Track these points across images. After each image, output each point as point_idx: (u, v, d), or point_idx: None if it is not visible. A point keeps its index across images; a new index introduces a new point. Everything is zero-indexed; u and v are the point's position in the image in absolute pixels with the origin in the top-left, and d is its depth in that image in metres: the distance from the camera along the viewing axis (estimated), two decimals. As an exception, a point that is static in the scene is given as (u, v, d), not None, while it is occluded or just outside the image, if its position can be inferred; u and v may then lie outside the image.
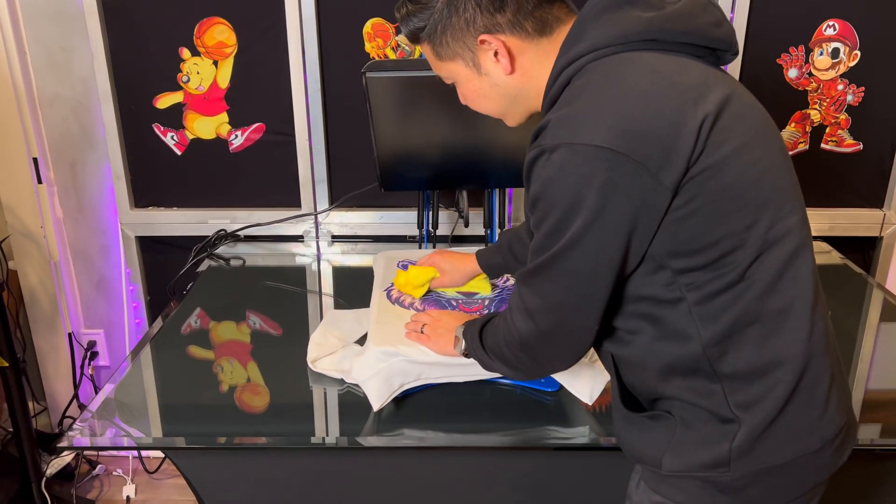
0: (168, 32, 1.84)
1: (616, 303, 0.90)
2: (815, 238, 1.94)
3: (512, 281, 1.48)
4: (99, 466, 2.24)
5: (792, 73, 1.88)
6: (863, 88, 1.89)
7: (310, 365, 1.30)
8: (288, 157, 1.95)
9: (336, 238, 2.02)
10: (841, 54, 1.86)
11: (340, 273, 1.87)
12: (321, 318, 1.54)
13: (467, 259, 1.45)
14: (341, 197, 1.95)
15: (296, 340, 1.40)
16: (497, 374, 1.15)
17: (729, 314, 0.85)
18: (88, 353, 2.18)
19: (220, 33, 1.85)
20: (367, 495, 1.26)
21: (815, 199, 1.97)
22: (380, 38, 1.84)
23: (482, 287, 1.45)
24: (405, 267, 1.53)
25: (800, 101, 1.91)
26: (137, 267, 2.06)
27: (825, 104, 1.91)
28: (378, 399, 1.16)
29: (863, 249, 2.06)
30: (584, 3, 0.90)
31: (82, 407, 2.19)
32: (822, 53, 1.86)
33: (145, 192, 2.00)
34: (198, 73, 1.88)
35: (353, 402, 1.22)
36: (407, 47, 1.85)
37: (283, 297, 1.69)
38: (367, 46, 1.85)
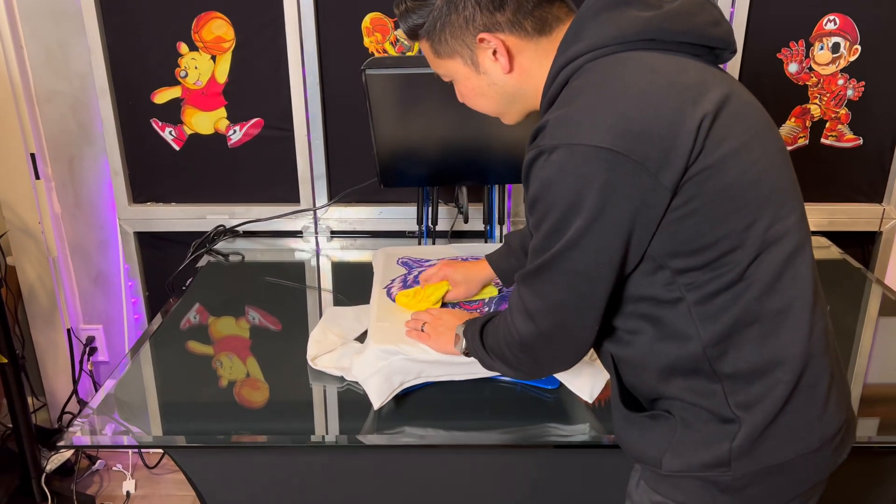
0: (166, 27, 1.83)
1: (616, 303, 0.90)
2: (815, 233, 1.95)
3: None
4: (99, 461, 2.24)
5: (792, 68, 1.87)
6: (863, 83, 1.89)
7: (309, 362, 1.30)
8: (286, 153, 1.94)
9: (335, 234, 2.02)
10: (841, 49, 1.85)
11: (339, 269, 1.87)
12: (320, 313, 1.54)
13: (478, 267, 1.41)
14: (340, 192, 1.95)
15: (295, 336, 1.40)
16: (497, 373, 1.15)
17: (728, 314, 0.85)
18: (87, 349, 2.18)
19: (218, 28, 1.84)
20: (368, 493, 1.26)
21: (814, 194, 1.97)
22: (378, 33, 1.83)
23: (492, 292, 1.43)
24: (406, 265, 1.53)
25: (800, 95, 1.90)
26: (136, 262, 2.06)
27: (825, 99, 1.90)
28: (378, 397, 1.16)
29: (862, 244, 2.06)
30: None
31: (81, 402, 2.20)
32: (822, 48, 1.85)
33: (143, 187, 2.00)
34: (196, 67, 1.87)
35: (353, 400, 1.22)
36: (406, 42, 1.84)
37: (282, 293, 1.69)
38: (366, 41, 1.84)
